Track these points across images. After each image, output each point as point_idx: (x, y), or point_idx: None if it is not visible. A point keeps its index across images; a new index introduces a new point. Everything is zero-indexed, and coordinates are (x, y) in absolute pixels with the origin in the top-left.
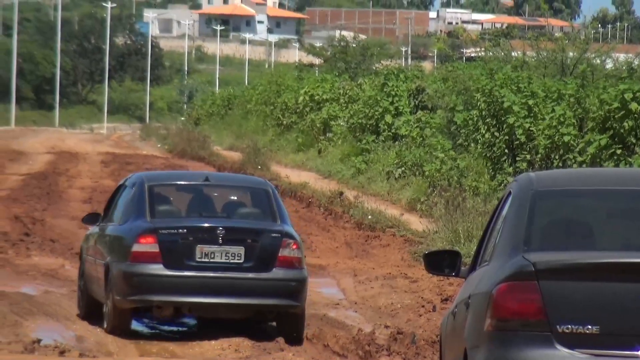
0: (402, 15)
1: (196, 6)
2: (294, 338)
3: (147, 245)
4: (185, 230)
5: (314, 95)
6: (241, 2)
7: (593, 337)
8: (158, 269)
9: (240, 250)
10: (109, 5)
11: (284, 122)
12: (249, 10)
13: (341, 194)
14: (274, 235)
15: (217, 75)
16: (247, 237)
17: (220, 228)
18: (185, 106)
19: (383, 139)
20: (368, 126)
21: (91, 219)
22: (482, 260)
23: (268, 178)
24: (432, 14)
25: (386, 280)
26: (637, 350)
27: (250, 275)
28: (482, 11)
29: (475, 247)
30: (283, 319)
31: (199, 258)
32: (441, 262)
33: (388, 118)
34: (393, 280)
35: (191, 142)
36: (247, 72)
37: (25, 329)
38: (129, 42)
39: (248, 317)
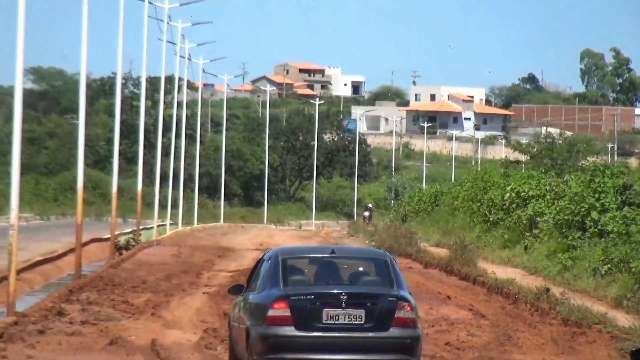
0: (608, 112)
1: (404, 103)
2: None
3: (280, 310)
4: (313, 296)
5: (520, 191)
6: (448, 99)
7: None
8: (290, 330)
9: (361, 312)
10: (317, 102)
11: (491, 219)
12: (455, 107)
13: (548, 290)
14: (390, 299)
15: (424, 172)
16: (366, 301)
17: (344, 294)
18: (392, 203)
19: (589, 235)
20: (574, 222)
21: (236, 290)
22: None
23: (474, 274)
24: (638, 111)
25: None
26: None
27: (370, 334)
28: None
29: None
30: None
31: (325, 320)
32: None
33: (594, 214)
34: None
35: (399, 239)
36: (454, 169)
37: None
38: (336, 138)
39: None
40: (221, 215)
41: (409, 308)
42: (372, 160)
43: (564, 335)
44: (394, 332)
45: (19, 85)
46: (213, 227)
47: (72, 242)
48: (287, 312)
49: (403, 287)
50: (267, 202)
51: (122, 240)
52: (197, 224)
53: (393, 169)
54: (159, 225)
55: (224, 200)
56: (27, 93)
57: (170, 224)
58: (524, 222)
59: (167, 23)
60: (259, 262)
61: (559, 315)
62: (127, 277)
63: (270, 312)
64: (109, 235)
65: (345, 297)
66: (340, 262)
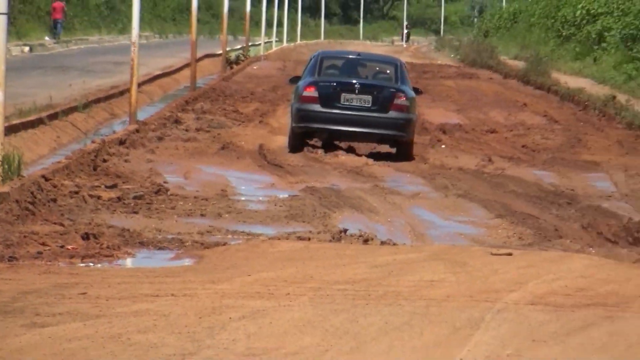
0: None
1: None
2: (406, 157)
3: (310, 92)
4: (335, 83)
5: (590, 9)
6: None
7: None
8: (317, 107)
9: (369, 98)
10: None
11: (563, 34)
12: None
13: (614, 97)
14: (391, 89)
15: None
16: (373, 90)
17: (357, 83)
18: (475, 20)
19: None
20: (639, 37)
21: (294, 80)
22: None
23: (548, 84)
24: None
25: None
26: None
27: (375, 114)
28: None
29: None
30: (398, 145)
31: (342, 102)
32: None
33: None
34: None
35: (481, 53)
36: None
37: (333, 220)
38: None
39: (375, 142)
40: (321, 33)
41: (403, 97)
42: None
43: (628, 137)
44: (391, 114)
45: None
46: (314, 43)
47: (187, 57)
48: (315, 94)
49: (405, 83)
50: (363, 20)
51: (232, 55)
52: (300, 40)
53: None
54: (265, 42)
55: (324, 19)
56: None
57: (276, 41)
58: (593, 36)
59: None
60: (310, 59)
61: (624, 120)
62: (237, 88)
63: (304, 93)
64: (221, 52)
65: (358, 86)
66: (363, 62)
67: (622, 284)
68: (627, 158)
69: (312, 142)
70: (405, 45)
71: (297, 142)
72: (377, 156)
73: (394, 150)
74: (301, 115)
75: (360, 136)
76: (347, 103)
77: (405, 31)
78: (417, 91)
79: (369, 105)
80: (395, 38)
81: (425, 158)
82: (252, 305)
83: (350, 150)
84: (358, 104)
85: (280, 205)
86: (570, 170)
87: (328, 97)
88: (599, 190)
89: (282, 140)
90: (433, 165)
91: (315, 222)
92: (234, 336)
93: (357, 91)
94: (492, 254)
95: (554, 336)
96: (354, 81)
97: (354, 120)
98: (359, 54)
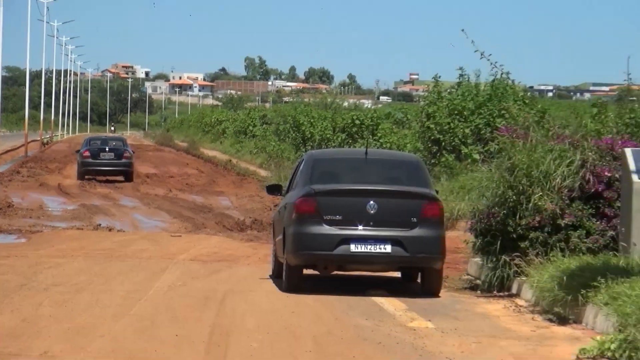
0: (257, 83)
1: (167, 79)
2: (130, 179)
3: (86, 153)
4: (97, 148)
5: (218, 118)
6: (187, 77)
7: (339, 221)
8: (90, 160)
9: (112, 154)
10: (130, 79)
11: (205, 130)
12: (190, 81)
13: (230, 160)
14: (122, 150)
15: (177, 111)
16: (114, 150)
17: (107, 148)
18: (163, 123)
19: (248, 137)
20: (241, 131)
21: (77, 150)
22: (291, 188)
23: (199, 154)
24: (270, 82)
25: (250, 197)
26: (357, 226)
27: (115, 161)
28: (292, 81)
29: (288, 183)
30: (125, 175)
31: (101, 157)
32: (273, 189)
33: (250, 128)
34: (254, 197)
35: (165, 139)
36: (189, 109)
37: (94, 219)
38: (138, 96)
39: (118, 175)
40: (88, 129)
41: (128, 153)
42: (154, 105)
43: (237, 180)
44: (122, 160)
45: None
46: (84, 134)
47: (22, 142)
48: (88, 154)
49: (127, 147)
50: (108, 123)
51: (44, 140)
52: (77, 133)
53: (163, 109)
54: (60, 134)
55: (89, 122)
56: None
57: (65, 134)
58: (220, 131)
59: (54, 36)
60: (84, 140)
61: (235, 171)
62: (47, 156)
63: (83, 154)
64: (39, 138)
65: (107, 149)
66: (108, 140)
67: (234, 250)
68: (237, 189)
69: (89, 177)
70: (121, 136)
71: (82, 177)
72: (115, 190)
73: (124, 177)
74: (83, 164)
75: (110, 172)
76: (103, 157)
77: (112, 129)
78: (133, 152)
79: (113, 158)
80: (124, 131)
81: (139, 190)
82: (55, 261)
83: (105, 184)
84: (108, 157)
85: (68, 212)
86: (210, 195)
87: (94, 155)
88: (223, 205)
89: (70, 181)
90: (143, 193)
91: (85, 220)
92: (46, 276)
93: (107, 151)
94: (171, 235)
95: (203, 275)
96: (106, 147)
97: (107, 164)
98: (106, 136)
